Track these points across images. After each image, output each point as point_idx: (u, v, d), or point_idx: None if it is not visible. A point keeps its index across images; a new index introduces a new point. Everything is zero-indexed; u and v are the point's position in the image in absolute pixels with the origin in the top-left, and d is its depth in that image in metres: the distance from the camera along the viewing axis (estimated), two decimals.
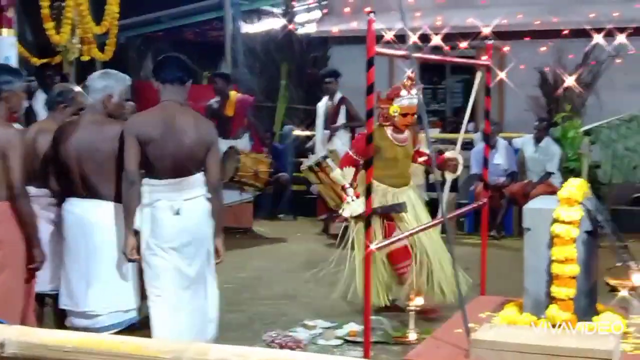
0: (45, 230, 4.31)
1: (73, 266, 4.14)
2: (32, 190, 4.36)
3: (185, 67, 4.25)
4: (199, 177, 4.05)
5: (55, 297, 4.35)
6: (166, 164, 3.96)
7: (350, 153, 5.43)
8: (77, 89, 4.76)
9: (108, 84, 4.20)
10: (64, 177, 4.22)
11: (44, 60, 7.84)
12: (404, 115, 5.31)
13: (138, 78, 12.07)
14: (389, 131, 5.39)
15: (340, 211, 5.36)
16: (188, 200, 3.99)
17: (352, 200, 5.20)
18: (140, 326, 4.23)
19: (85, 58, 7.71)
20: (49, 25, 7.07)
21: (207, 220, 4.06)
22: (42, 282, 4.31)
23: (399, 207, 5.25)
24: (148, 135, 3.93)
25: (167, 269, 3.98)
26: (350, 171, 5.29)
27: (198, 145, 4.01)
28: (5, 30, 6.81)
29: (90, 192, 4.12)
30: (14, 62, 6.85)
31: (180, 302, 4.02)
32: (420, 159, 5.68)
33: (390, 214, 5.31)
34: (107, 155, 4.08)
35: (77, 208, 4.14)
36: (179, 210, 3.94)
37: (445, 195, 5.70)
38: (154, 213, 3.96)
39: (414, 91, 5.17)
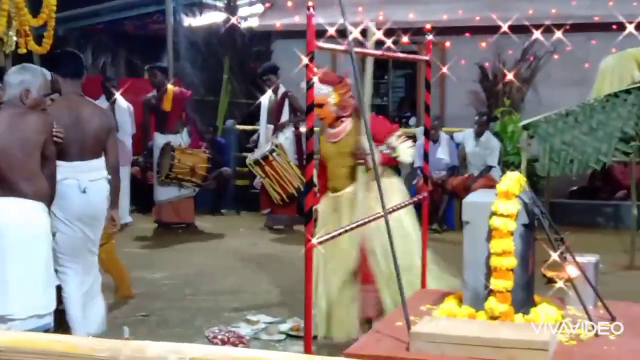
0: None
1: None
2: None
3: (82, 62, 4.83)
4: (101, 161, 4.63)
5: None
6: (73, 149, 4.47)
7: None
8: None
9: (24, 79, 4.10)
10: None
11: None
12: (319, 106, 4.76)
13: None
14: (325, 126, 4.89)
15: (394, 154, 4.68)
16: (93, 182, 4.56)
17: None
18: (55, 330, 4.16)
19: (22, 51, 7.49)
20: None
21: (107, 198, 4.69)
22: None
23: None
24: (58, 124, 4.26)
25: (75, 237, 4.56)
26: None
27: (100, 132, 4.60)
28: None
29: (7, 190, 3.98)
30: None
31: (91, 266, 4.69)
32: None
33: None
34: (30, 150, 3.98)
35: None
36: (85, 189, 4.52)
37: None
38: (63, 190, 4.38)
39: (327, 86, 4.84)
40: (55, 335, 1.91)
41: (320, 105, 4.78)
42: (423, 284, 4.37)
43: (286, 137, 8.67)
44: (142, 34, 13.04)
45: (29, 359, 1.84)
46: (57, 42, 8.17)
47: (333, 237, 3.69)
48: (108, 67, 12.12)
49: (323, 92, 4.83)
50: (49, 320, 4.13)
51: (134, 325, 5.16)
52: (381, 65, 11.79)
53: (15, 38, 7.29)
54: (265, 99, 8.87)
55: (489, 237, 3.41)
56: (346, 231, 3.67)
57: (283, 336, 4.96)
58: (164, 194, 8.53)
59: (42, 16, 7.51)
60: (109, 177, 4.68)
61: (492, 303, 3.38)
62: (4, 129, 3.99)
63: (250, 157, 8.57)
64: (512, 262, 3.38)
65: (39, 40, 7.84)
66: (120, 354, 1.80)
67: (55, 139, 4.15)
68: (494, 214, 3.40)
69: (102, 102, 8.61)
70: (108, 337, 1.94)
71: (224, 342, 4.72)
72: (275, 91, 8.74)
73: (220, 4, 12.55)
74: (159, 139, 8.54)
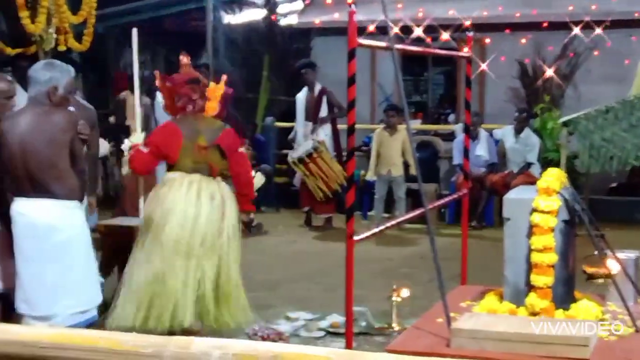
0: None
1: (27, 269, 3.98)
2: None
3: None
4: None
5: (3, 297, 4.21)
6: None
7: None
8: (10, 78, 4.53)
9: (53, 76, 4.01)
10: (10, 175, 4.02)
11: (19, 50, 7.73)
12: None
13: (117, 69, 11.99)
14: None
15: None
16: None
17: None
18: (99, 324, 4.19)
19: (62, 48, 7.61)
20: (24, 14, 6.94)
21: None
22: None
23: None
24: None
25: None
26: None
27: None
28: None
29: (39, 190, 3.94)
30: None
31: None
32: None
33: None
34: (58, 149, 3.91)
35: (27, 209, 3.97)
36: None
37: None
38: None
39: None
40: (100, 331, 1.90)
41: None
42: (463, 280, 4.38)
43: (325, 134, 8.69)
44: (182, 31, 13.15)
45: (74, 355, 1.84)
46: (96, 39, 8.30)
47: (374, 234, 3.72)
48: (147, 64, 12.27)
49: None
50: (94, 314, 4.17)
51: None
52: (421, 61, 11.76)
53: (55, 35, 7.43)
54: (302, 96, 8.89)
55: (530, 234, 3.41)
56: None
57: (323, 333, 4.99)
58: None
59: (82, 13, 7.62)
60: None
61: (532, 299, 3.38)
62: (31, 128, 3.94)
63: (292, 155, 8.55)
64: (552, 258, 3.37)
65: (78, 37, 7.97)
66: (165, 350, 1.79)
67: (80, 136, 4.07)
68: (534, 210, 3.40)
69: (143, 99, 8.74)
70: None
71: (264, 339, 4.76)
72: (311, 88, 8.75)
73: (259, 1, 12.62)
74: None
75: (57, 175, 3.94)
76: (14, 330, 1.91)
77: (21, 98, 4.39)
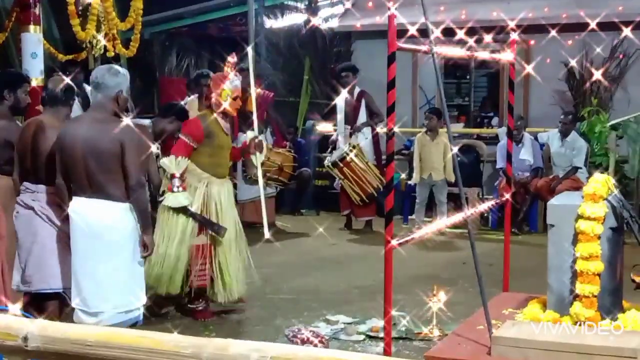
0: (41, 227, 4.37)
1: (81, 266, 4.16)
2: (29, 186, 4.41)
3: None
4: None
5: (61, 296, 4.41)
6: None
7: (186, 140, 5.18)
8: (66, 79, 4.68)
9: (120, 81, 4.21)
10: (70, 175, 4.22)
11: (70, 57, 7.89)
12: (234, 98, 5.22)
13: (162, 74, 12.13)
14: (219, 118, 5.25)
15: (161, 199, 5.08)
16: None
17: (178, 191, 5.03)
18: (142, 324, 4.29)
19: (110, 54, 7.75)
20: (75, 21, 7.10)
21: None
22: (55, 280, 4.36)
23: (219, 229, 5.12)
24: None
25: None
26: (184, 162, 5.08)
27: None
28: (32, 27, 6.86)
29: (97, 191, 4.12)
30: (40, 59, 6.91)
31: None
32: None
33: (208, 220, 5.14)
34: (111, 155, 4.08)
35: (83, 208, 4.15)
36: None
37: (260, 176, 5.73)
38: None
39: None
40: (142, 331, 1.95)
41: (240, 97, 5.30)
42: (505, 287, 4.30)
43: (366, 138, 8.65)
44: (225, 36, 13.27)
45: (118, 354, 1.88)
46: (142, 45, 8.41)
47: (414, 238, 3.66)
48: (191, 68, 12.39)
49: (238, 83, 5.28)
50: (138, 314, 4.27)
51: (215, 322, 5.26)
52: (463, 64, 11.63)
53: (104, 42, 7.57)
54: (341, 100, 8.87)
55: (575, 241, 3.33)
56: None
57: (362, 337, 4.95)
58: (247, 193, 8.60)
59: (129, 20, 7.76)
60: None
61: (577, 308, 3.30)
62: (93, 133, 4.10)
63: (329, 159, 8.59)
64: (599, 266, 3.28)
65: (126, 43, 8.10)
66: (204, 351, 1.82)
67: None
68: (580, 217, 3.32)
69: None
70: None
71: (303, 342, 4.75)
72: (350, 92, 8.73)
73: (301, 6, 12.64)
74: (243, 139, 8.65)
75: (114, 178, 4.10)
76: (63, 328, 1.98)
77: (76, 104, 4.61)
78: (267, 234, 5.52)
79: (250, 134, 5.75)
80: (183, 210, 5.07)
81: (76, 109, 6.66)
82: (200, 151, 5.17)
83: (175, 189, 5.03)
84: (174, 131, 5.35)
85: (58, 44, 9.17)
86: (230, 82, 5.21)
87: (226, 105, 5.18)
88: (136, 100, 9.32)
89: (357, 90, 8.70)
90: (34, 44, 6.88)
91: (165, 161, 5.10)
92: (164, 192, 5.08)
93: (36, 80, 6.48)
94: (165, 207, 5.07)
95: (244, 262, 5.35)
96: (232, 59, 5.23)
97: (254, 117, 5.93)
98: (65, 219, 4.30)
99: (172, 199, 5.03)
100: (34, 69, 6.79)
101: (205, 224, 5.12)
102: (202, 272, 5.16)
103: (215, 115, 5.22)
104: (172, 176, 5.04)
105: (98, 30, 7.48)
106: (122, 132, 4.09)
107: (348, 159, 8.28)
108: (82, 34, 7.19)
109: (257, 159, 5.64)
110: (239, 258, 5.32)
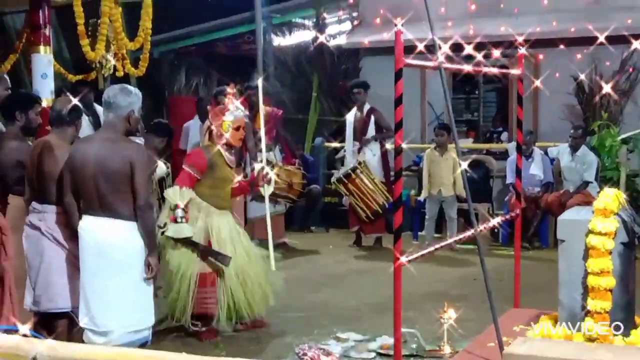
0: (48, 247, 4.39)
1: (90, 284, 4.16)
2: (36, 206, 4.43)
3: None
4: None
5: (70, 315, 4.41)
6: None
7: (190, 171, 5.13)
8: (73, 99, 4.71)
9: (132, 100, 4.23)
10: (80, 194, 4.23)
11: (80, 77, 7.94)
12: (237, 129, 5.21)
13: (171, 93, 12.18)
14: (222, 150, 5.22)
15: (163, 230, 5.00)
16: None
17: (181, 222, 4.98)
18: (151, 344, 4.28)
19: (120, 74, 7.80)
20: (85, 42, 7.15)
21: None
22: (63, 299, 4.38)
23: (223, 258, 5.07)
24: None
25: None
26: (188, 192, 5.05)
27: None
28: (42, 48, 6.92)
29: (107, 210, 4.13)
30: (51, 79, 6.96)
31: None
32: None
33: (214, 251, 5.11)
34: (121, 175, 4.09)
35: (93, 226, 4.16)
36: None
37: (267, 207, 5.76)
38: None
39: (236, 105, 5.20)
40: (151, 351, 1.95)
41: (242, 127, 5.27)
42: (516, 303, 4.26)
43: (374, 154, 8.66)
44: (233, 54, 13.34)
45: None
46: (152, 64, 8.45)
47: (424, 254, 3.64)
48: (200, 87, 12.44)
49: (240, 113, 5.26)
50: (147, 334, 4.27)
51: (225, 341, 5.24)
52: (472, 79, 11.62)
53: (113, 61, 7.62)
54: (351, 116, 8.89)
55: (586, 256, 3.31)
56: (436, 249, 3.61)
57: (373, 354, 4.91)
58: (257, 210, 8.58)
59: (138, 40, 7.80)
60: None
61: (589, 324, 3.26)
62: (105, 153, 4.12)
63: (335, 175, 8.61)
64: (610, 281, 3.25)
65: (135, 62, 8.15)
66: None
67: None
68: (591, 232, 3.29)
69: (196, 122, 8.82)
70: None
71: None
72: (360, 108, 8.76)
73: (309, 23, 12.69)
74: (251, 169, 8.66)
75: (124, 197, 4.12)
76: (72, 348, 1.99)
77: (82, 122, 4.62)
78: (272, 266, 5.47)
79: (257, 166, 5.73)
80: (186, 241, 5.04)
81: (86, 128, 6.71)
82: (202, 182, 5.16)
83: (178, 220, 4.98)
84: (164, 150, 5.37)
85: (68, 64, 9.24)
86: (230, 114, 5.20)
87: (227, 136, 5.17)
88: (145, 119, 9.37)
89: (367, 107, 8.72)
90: (44, 64, 6.93)
91: (169, 192, 5.09)
92: (165, 223, 5.02)
93: (47, 100, 6.51)
94: (167, 238, 5.01)
95: (260, 286, 5.30)
96: (231, 89, 5.22)
97: (262, 134, 5.94)
98: (73, 239, 4.31)
99: (174, 230, 4.99)
100: (45, 90, 6.83)
101: (208, 253, 5.10)
102: (205, 299, 5.14)
103: (219, 147, 5.20)
104: (176, 206, 4.99)
105: (107, 50, 7.53)
106: (133, 153, 4.10)
107: (353, 175, 8.30)
108: (92, 54, 7.24)
109: (266, 191, 5.60)
110: (253, 283, 5.26)
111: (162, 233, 4.98)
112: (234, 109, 5.21)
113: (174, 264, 5.08)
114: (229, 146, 5.26)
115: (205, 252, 5.08)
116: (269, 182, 5.58)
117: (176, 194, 5.02)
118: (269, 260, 5.45)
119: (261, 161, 5.74)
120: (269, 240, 5.69)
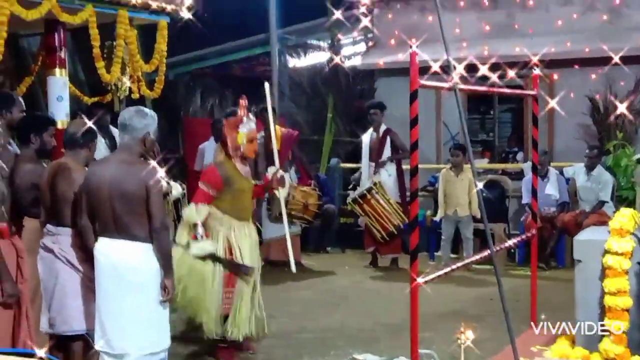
0: (62, 269, 4.40)
1: (106, 307, 4.14)
2: (50, 228, 4.45)
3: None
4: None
5: (86, 338, 4.39)
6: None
7: (205, 188, 5.16)
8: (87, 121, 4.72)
9: (147, 122, 4.22)
10: (95, 216, 4.23)
11: (95, 99, 8.01)
12: (250, 141, 5.23)
13: (187, 114, 12.27)
14: (237, 163, 5.24)
15: (188, 249, 5.03)
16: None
17: (202, 239, 5.00)
18: None
19: (135, 96, 7.86)
20: (100, 64, 7.21)
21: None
22: (78, 322, 4.39)
23: (246, 270, 5.12)
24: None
25: None
26: (205, 209, 5.07)
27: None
28: (58, 70, 6.97)
29: (122, 232, 4.12)
30: (66, 102, 7.01)
31: None
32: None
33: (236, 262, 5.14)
34: (137, 197, 4.07)
35: (109, 248, 4.15)
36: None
37: (284, 209, 5.84)
38: None
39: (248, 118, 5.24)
40: None
41: (256, 139, 5.32)
42: (533, 323, 4.24)
43: (389, 175, 8.66)
44: (248, 75, 13.42)
45: None
46: (167, 86, 8.51)
47: (440, 275, 3.64)
48: (216, 109, 12.52)
49: (253, 125, 5.29)
50: (163, 356, 4.23)
51: None
52: (487, 100, 11.63)
53: (128, 84, 7.68)
54: (367, 137, 8.92)
55: (603, 276, 3.30)
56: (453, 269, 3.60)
57: None
58: (273, 231, 8.58)
59: (153, 62, 7.87)
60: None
61: (606, 344, 3.25)
62: (119, 175, 4.11)
63: (351, 196, 8.62)
64: (627, 301, 3.24)
65: (150, 84, 8.22)
66: None
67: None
68: (607, 252, 3.29)
69: (211, 144, 8.86)
70: None
71: None
72: (376, 129, 8.78)
73: (324, 44, 12.77)
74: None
75: (139, 219, 4.10)
76: None
77: (98, 143, 4.63)
78: (293, 269, 5.51)
79: (271, 170, 5.78)
80: (210, 257, 5.06)
81: (103, 150, 6.75)
82: (221, 198, 5.17)
83: (199, 237, 5.00)
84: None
85: (83, 87, 9.32)
86: (244, 126, 5.23)
87: (243, 148, 5.21)
88: (161, 141, 9.44)
89: (383, 127, 8.74)
90: (59, 87, 6.98)
91: (186, 211, 5.11)
92: (188, 242, 5.05)
93: (62, 123, 6.56)
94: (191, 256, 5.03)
95: (260, 308, 5.32)
96: (243, 101, 5.25)
97: (275, 155, 5.96)
98: (87, 261, 4.30)
99: (198, 248, 5.01)
100: (60, 112, 6.87)
101: (232, 267, 5.12)
102: (228, 299, 5.16)
103: (232, 161, 5.23)
104: (195, 225, 5.02)
105: (123, 72, 7.60)
106: (148, 175, 4.10)
107: (368, 196, 8.31)
108: (107, 76, 7.31)
109: (281, 193, 5.64)
110: (260, 299, 5.30)
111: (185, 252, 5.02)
112: (247, 120, 5.23)
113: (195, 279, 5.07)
114: (242, 159, 5.28)
115: (229, 265, 5.11)
116: (283, 185, 5.62)
117: (193, 212, 5.05)
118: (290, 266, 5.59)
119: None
120: (289, 253, 5.69)
